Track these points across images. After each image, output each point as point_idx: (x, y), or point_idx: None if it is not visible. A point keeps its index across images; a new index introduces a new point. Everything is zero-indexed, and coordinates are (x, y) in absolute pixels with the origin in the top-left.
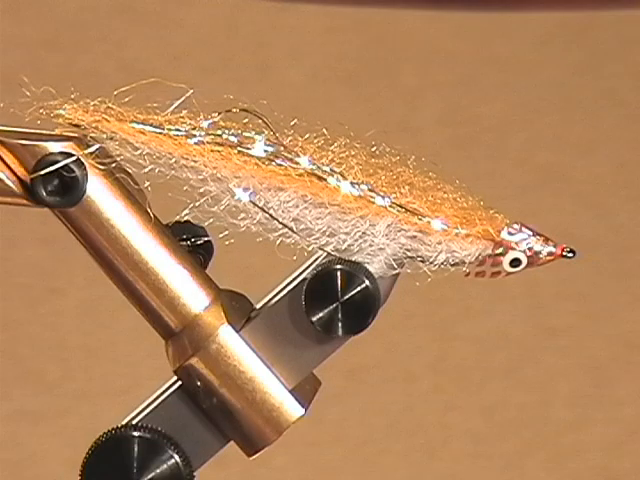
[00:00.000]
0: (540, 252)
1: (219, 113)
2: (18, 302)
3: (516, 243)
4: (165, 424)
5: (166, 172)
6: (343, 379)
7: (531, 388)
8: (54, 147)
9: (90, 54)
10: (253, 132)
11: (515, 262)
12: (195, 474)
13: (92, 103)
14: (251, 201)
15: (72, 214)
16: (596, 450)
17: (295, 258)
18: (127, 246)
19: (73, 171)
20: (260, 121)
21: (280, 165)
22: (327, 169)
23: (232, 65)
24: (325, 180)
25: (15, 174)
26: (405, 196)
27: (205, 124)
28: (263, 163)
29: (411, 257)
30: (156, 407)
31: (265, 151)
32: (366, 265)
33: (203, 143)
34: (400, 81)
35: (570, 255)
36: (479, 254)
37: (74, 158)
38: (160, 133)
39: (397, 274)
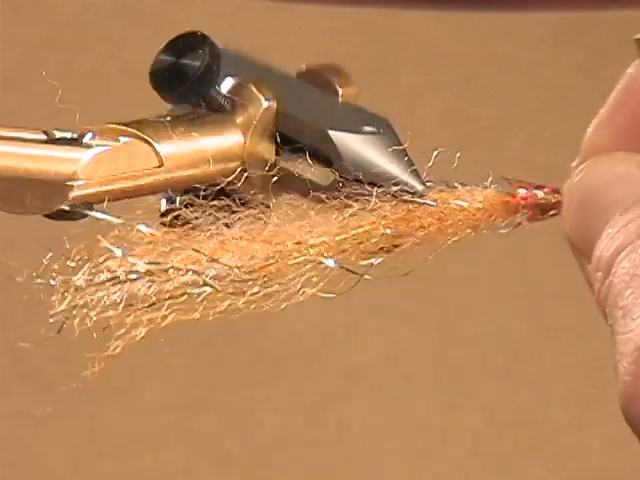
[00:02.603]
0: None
1: None
2: (18, 302)
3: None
4: None
5: None
6: (343, 379)
7: (531, 388)
8: None
9: (90, 54)
10: None
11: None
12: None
13: None
14: None
15: None
16: (596, 450)
17: None
18: None
19: None
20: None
21: None
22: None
23: None
24: None
25: None
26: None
27: None
28: None
29: None
30: None
31: None
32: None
33: None
34: (400, 81)
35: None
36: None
37: None
38: None
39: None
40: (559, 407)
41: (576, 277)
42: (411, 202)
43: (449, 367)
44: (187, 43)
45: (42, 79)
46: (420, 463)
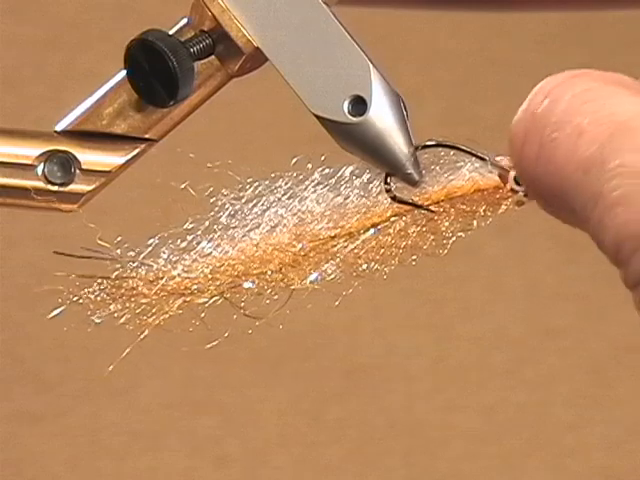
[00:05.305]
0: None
1: None
2: (18, 302)
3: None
4: None
5: None
6: (343, 379)
7: (531, 388)
8: None
9: (90, 54)
10: None
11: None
12: None
13: None
14: None
15: None
16: (596, 450)
17: None
18: None
19: None
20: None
21: None
22: None
23: None
24: None
25: None
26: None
27: None
28: None
29: None
30: None
31: None
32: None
33: None
34: (400, 81)
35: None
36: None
37: None
38: None
39: None
40: (559, 407)
41: (576, 277)
42: (412, 206)
43: (449, 367)
44: (145, 55)
45: (42, 79)
46: (420, 463)
